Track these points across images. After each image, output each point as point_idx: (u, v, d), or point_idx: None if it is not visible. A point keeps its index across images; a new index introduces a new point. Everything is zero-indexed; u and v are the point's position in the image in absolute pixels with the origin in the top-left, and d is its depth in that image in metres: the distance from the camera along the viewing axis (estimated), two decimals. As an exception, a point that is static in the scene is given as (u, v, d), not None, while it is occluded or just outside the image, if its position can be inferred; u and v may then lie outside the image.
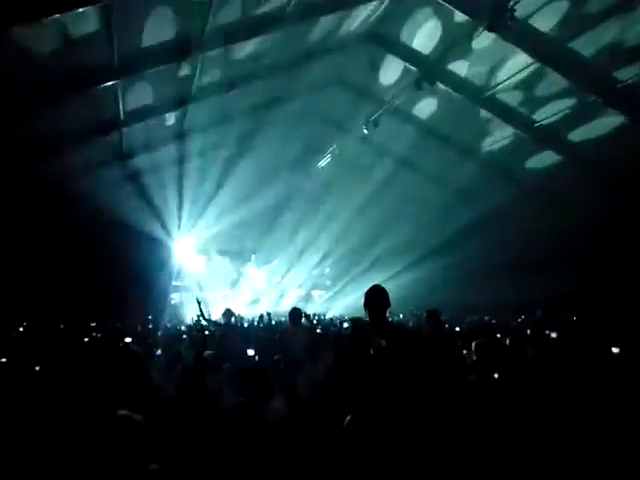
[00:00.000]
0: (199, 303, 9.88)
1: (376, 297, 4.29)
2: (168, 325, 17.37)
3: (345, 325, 13.37)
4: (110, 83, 10.43)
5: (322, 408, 4.52)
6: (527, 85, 13.01)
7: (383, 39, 13.86)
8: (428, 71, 12.82)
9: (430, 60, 12.95)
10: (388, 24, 13.31)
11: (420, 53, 13.32)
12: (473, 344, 6.39)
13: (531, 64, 12.12)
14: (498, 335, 9.51)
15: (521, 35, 11.28)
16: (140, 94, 11.76)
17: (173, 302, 23.53)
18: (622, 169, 13.16)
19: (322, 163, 20.08)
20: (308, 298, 27.62)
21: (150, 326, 16.09)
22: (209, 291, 23.80)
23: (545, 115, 13.53)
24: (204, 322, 9.94)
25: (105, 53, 9.55)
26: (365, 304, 4.29)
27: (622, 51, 10.86)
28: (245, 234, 25.76)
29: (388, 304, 4.31)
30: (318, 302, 27.41)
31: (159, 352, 8.45)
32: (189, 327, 12.35)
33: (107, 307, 16.37)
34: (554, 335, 9.12)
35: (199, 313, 9.93)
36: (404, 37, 13.36)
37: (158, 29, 9.70)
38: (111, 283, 17.38)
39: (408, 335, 4.48)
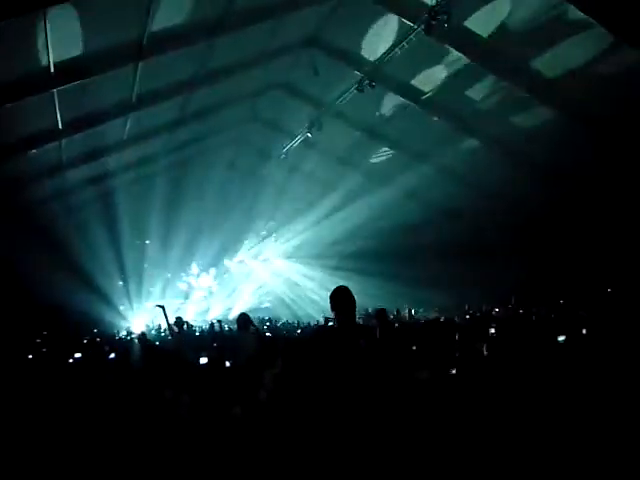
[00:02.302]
0: (162, 308, 10.08)
1: (343, 298, 4.22)
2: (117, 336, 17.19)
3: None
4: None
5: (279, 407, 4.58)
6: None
7: (325, 44, 13.96)
8: (369, 74, 13.04)
9: (371, 63, 13.15)
10: (329, 29, 13.44)
11: (361, 56, 13.53)
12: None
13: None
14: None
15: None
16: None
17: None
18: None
19: (269, 169, 20.17)
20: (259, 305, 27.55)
21: (98, 339, 15.84)
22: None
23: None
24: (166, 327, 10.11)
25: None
26: (332, 306, 4.21)
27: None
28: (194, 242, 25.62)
29: (354, 304, 4.22)
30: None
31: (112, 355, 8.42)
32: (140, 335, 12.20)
33: (53, 319, 16.03)
34: (492, 331, 9.42)
35: (165, 318, 10.14)
36: (345, 41, 13.55)
37: (98, 35, 9.50)
38: (58, 294, 16.98)
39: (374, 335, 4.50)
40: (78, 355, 10.20)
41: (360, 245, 21.72)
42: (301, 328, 16.70)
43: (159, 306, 10.30)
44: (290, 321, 21.25)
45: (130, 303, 23.61)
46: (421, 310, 18.24)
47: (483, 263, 16.56)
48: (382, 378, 4.13)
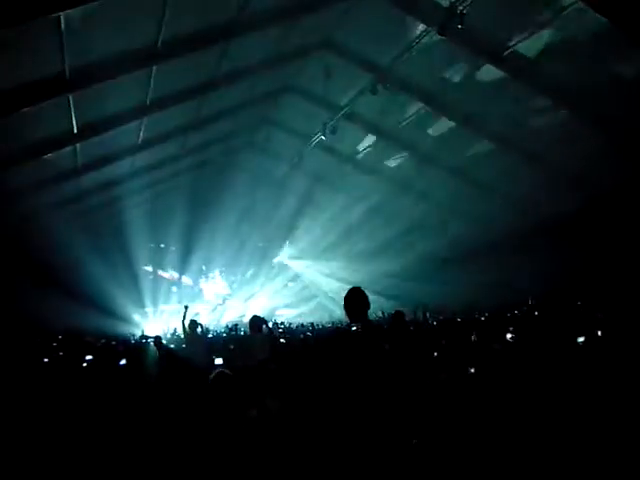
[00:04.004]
0: (186, 308, 10.15)
1: (356, 300, 4.23)
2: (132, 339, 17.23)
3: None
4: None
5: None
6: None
7: (337, 46, 13.94)
8: (382, 76, 13.01)
9: (384, 65, 13.11)
10: (343, 31, 13.42)
11: (374, 59, 13.49)
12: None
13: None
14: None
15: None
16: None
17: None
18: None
19: (282, 171, 20.21)
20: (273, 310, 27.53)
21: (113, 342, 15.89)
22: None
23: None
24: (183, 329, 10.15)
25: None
26: (346, 307, 4.23)
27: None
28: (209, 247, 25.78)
29: (368, 306, 4.24)
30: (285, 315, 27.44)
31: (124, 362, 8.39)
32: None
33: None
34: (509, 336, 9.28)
35: (183, 319, 10.19)
36: (359, 43, 13.52)
37: (113, 39, 9.55)
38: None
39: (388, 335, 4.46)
40: (89, 357, 10.25)
41: (377, 246, 21.75)
42: (315, 331, 16.55)
43: (185, 306, 10.42)
44: (305, 324, 21.19)
45: (144, 307, 23.80)
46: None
47: (497, 264, 16.44)
48: (396, 380, 4.10)
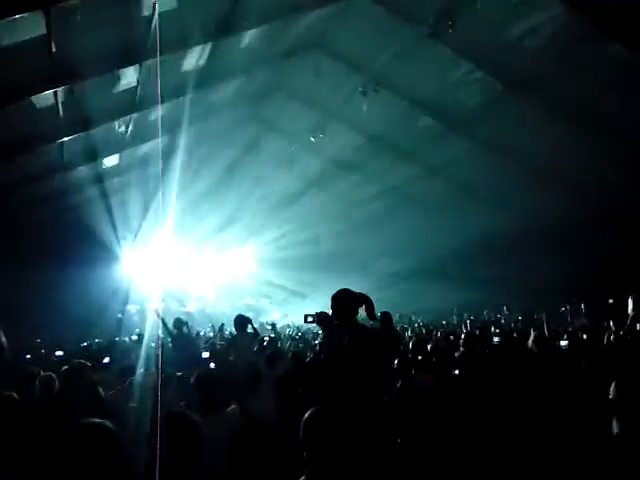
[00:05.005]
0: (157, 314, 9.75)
1: (343, 301, 4.18)
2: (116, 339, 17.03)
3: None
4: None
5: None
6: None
7: (328, 47, 13.94)
8: (373, 78, 13.03)
9: (375, 67, 13.12)
10: (334, 32, 13.42)
11: (365, 60, 13.49)
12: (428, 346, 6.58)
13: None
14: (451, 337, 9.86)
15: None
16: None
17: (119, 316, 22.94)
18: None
19: (271, 172, 20.15)
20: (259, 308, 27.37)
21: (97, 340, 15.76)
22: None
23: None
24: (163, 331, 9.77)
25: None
26: (333, 307, 4.17)
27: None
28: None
29: (356, 306, 4.17)
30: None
31: (107, 360, 8.19)
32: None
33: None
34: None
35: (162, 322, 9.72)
36: (349, 45, 13.52)
37: (101, 36, 9.47)
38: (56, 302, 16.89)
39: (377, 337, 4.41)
40: (60, 353, 10.09)
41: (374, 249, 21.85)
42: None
43: (156, 310, 9.95)
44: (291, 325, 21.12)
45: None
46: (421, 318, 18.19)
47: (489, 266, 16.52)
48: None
